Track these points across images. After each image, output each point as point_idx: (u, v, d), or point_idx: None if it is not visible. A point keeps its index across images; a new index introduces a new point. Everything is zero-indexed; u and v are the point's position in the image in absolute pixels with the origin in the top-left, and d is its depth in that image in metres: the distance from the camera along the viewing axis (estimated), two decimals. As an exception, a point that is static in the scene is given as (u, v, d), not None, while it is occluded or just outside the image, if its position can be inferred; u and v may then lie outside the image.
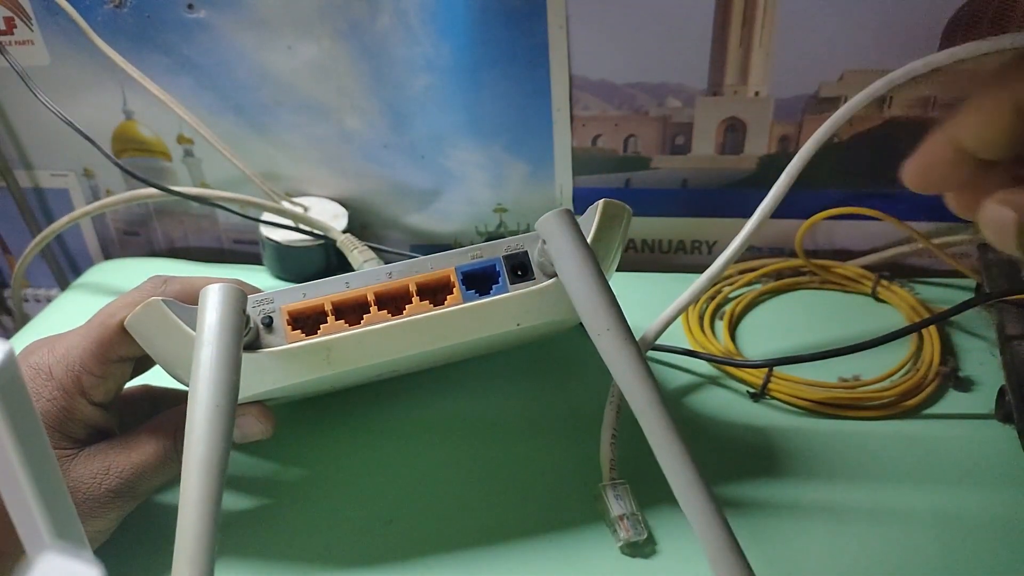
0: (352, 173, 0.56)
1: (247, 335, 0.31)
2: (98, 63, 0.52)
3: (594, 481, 0.37)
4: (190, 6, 0.51)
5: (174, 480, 0.33)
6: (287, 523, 0.36)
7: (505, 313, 0.34)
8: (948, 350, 0.45)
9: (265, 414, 0.35)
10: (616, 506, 0.35)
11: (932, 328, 0.45)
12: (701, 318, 0.48)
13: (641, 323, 0.44)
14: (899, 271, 0.51)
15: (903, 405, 0.41)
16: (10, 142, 0.59)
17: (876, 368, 0.43)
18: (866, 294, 0.50)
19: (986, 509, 0.35)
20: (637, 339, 0.42)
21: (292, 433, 0.41)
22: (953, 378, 0.43)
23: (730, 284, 0.51)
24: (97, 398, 0.34)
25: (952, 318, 0.46)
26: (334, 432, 0.41)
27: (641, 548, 0.34)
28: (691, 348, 0.46)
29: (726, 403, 0.42)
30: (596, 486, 0.36)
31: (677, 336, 0.47)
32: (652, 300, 0.47)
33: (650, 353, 0.43)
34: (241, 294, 0.29)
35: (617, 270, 0.55)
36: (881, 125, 0.49)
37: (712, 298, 0.50)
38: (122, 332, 0.33)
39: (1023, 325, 0.42)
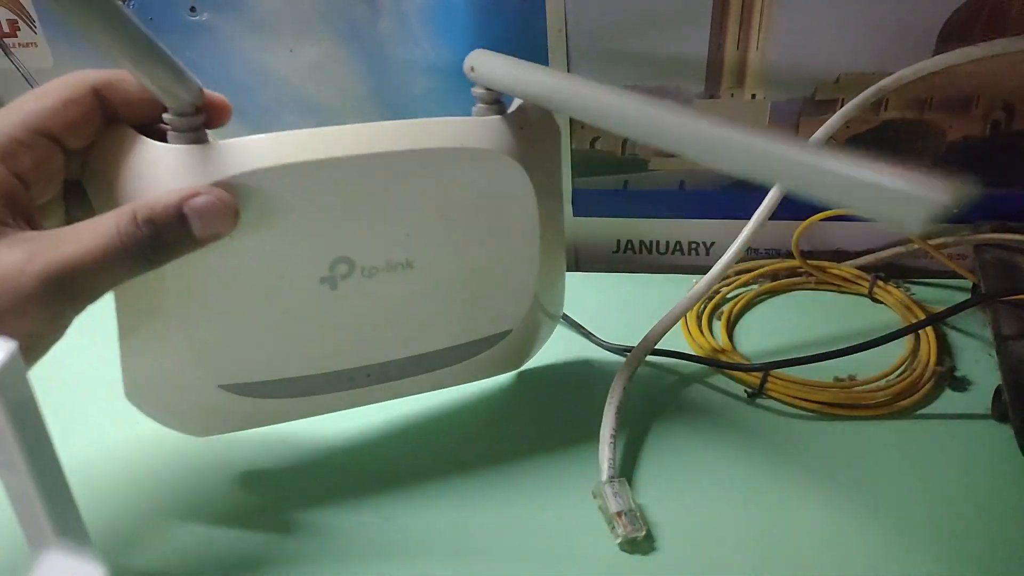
0: (352, 175, 0.57)
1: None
2: (101, 65, 0.53)
3: (593, 478, 0.37)
4: (192, 9, 0.51)
5: (126, 277, 0.29)
6: (286, 522, 0.37)
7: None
8: (944, 350, 0.45)
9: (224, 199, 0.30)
10: (615, 503, 0.35)
11: (928, 328, 0.45)
12: (699, 318, 0.48)
13: (640, 324, 0.44)
14: (895, 272, 0.51)
15: (899, 405, 0.41)
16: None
17: (872, 368, 0.43)
18: (862, 295, 0.50)
19: (982, 508, 0.36)
20: (636, 343, 0.43)
21: (290, 428, 0.41)
22: (949, 378, 0.43)
23: (727, 285, 0.51)
24: (13, 165, 0.29)
25: (948, 318, 0.46)
26: (333, 429, 0.41)
27: (640, 544, 0.34)
28: (689, 348, 0.46)
29: (723, 403, 0.43)
30: (595, 483, 0.37)
31: (675, 335, 0.47)
32: (651, 301, 0.48)
33: (649, 357, 0.44)
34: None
35: (616, 271, 0.55)
36: (878, 127, 0.49)
37: (710, 299, 0.50)
38: (61, 107, 0.30)
39: (1019, 325, 0.42)
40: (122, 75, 0.32)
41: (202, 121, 0.32)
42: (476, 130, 0.35)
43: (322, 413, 0.39)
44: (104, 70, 0.32)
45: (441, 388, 0.41)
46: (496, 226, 0.36)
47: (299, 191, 0.32)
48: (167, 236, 0.29)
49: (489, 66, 0.35)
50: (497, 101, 0.36)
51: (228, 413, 0.37)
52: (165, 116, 0.31)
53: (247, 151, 0.31)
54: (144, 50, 0.28)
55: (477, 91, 0.36)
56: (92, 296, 0.29)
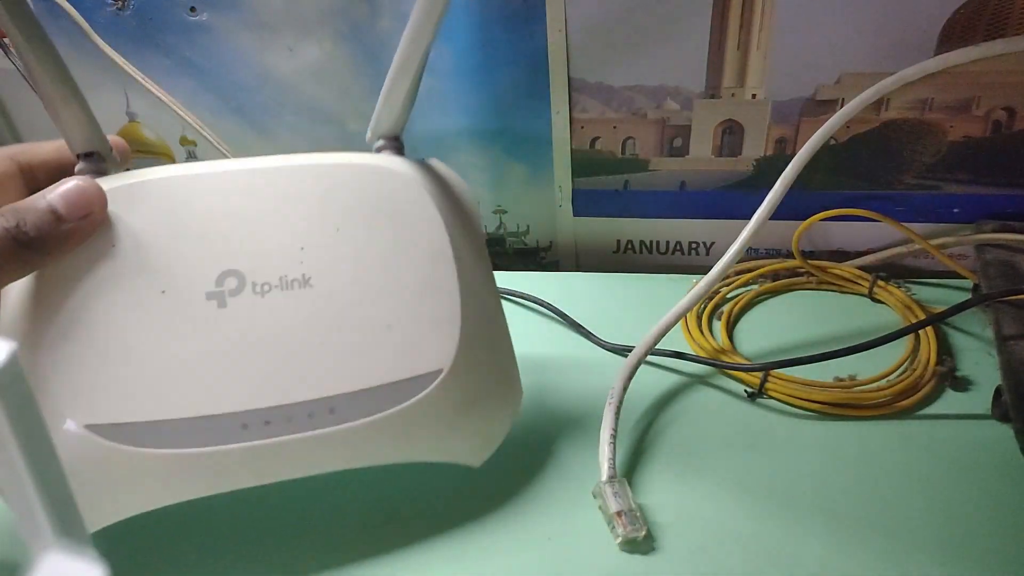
0: (353, 174, 0.57)
1: None
2: (101, 65, 0.53)
3: (593, 478, 0.37)
4: (192, 8, 0.51)
5: (6, 270, 0.29)
6: (287, 522, 0.37)
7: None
8: (945, 350, 0.45)
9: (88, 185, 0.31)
10: (614, 503, 0.35)
11: (929, 328, 0.45)
12: (699, 318, 0.48)
13: (640, 324, 0.44)
14: (896, 272, 0.51)
15: (899, 405, 0.41)
16: (13, 143, 0.60)
17: (872, 368, 0.43)
18: (863, 295, 0.50)
19: (983, 508, 0.36)
20: (636, 343, 0.43)
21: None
22: (950, 378, 0.43)
23: (727, 285, 0.51)
24: None
25: (948, 318, 0.46)
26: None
27: (640, 544, 0.34)
28: (689, 348, 0.46)
29: (723, 402, 0.43)
30: (595, 483, 0.37)
31: (675, 335, 0.47)
32: (651, 301, 0.48)
33: (649, 356, 0.44)
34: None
35: (616, 271, 0.55)
36: (878, 127, 0.49)
37: (710, 299, 0.50)
38: None
39: (1019, 325, 0.42)
40: (34, 144, 0.35)
41: (106, 167, 0.34)
42: (369, 154, 0.36)
43: (220, 489, 0.32)
44: (19, 144, 0.35)
45: (373, 462, 0.34)
46: (399, 243, 0.34)
47: (180, 201, 0.32)
48: (32, 221, 0.29)
49: (375, 112, 0.36)
50: (396, 148, 0.37)
51: (105, 480, 0.30)
52: (76, 167, 0.33)
53: (132, 175, 0.32)
54: (66, 85, 0.31)
55: (377, 144, 0.37)
56: None
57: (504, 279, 0.53)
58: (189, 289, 0.31)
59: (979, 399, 0.42)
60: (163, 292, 0.31)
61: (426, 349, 0.33)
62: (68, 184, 0.30)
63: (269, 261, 0.32)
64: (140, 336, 0.31)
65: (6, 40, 0.54)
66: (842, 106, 0.47)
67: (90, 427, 0.30)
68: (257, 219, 0.32)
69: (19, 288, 0.31)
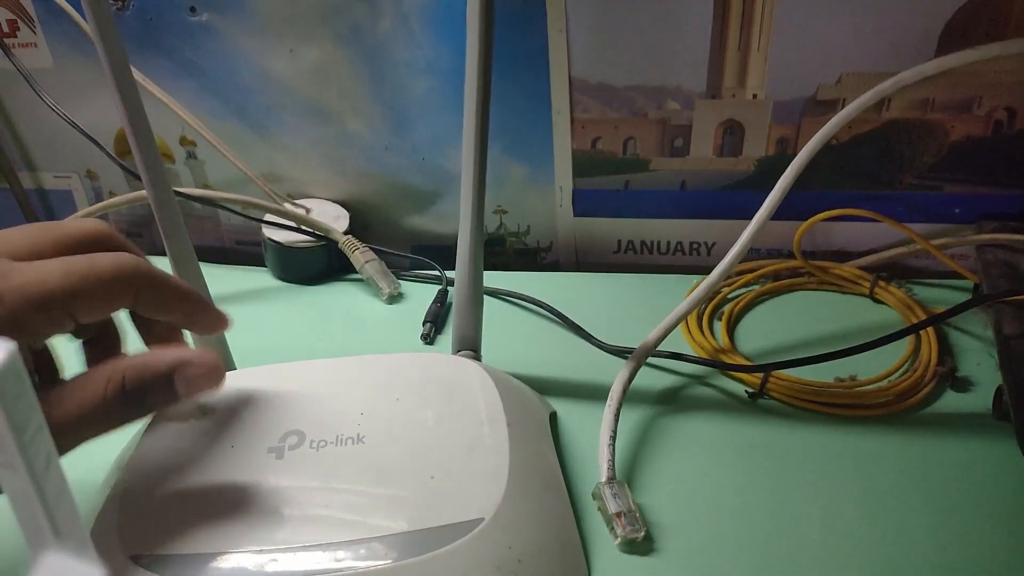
0: (353, 175, 0.57)
1: None
2: (101, 66, 0.53)
3: (593, 479, 0.37)
4: (192, 9, 0.51)
5: (113, 428, 0.30)
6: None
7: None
8: (946, 350, 0.45)
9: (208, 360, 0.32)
10: (614, 504, 0.35)
11: (930, 328, 0.45)
12: (700, 318, 0.48)
13: (641, 324, 0.44)
14: (897, 272, 0.51)
15: (900, 405, 0.41)
16: (13, 144, 0.60)
17: (873, 368, 0.43)
18: (864, 295, 0.50)
19: (983, 508, 0.36)
20: (637, 344, 0.43)
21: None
22: (951, 378, 0.43)
23: (729, 285, 0.51)
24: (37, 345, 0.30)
25: (949, 318, 0.46)
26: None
27: (639, 545, 0.34)
28: (690, 348, 0.46)
29: (724, 402, 0.43)
30: (594, 485, 0.36)
31: (676, 335, 0.47)
32: (651, 301, 0.48)
33: (651, 357, 0.43)
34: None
35: (617, 272, 0.55)
36: (880, 127, 0.49)
37: (711, 299, 0.50)
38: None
39: (1020, 325, 0.42)
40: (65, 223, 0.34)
41: None
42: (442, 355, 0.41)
43: None
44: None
45: None
46: (452, 407, 0.36)
47: (268, 384, 0.37)
48: (153, 392, 0.30)
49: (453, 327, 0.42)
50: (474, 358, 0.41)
51: None
52: None
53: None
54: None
55: (461, 354, 0.41)
56: (74, 445, 0.29)
57: (504, 279, 0.53)
58: (254, 445, 0.34)
59: (980, 399, 0.42)
60: (232, 447, 0.34)
61: (468, 498, 0.32)
62: (197, 370, 0.31)
63: (330, 424, 0.35)
64: (199, 480, 0.33)
65: (6, 41, 0.54)
66: (843, 106, 0.47)
67: (134, 558, 0.30)
68: (329, 396, 0.37)
69: None
